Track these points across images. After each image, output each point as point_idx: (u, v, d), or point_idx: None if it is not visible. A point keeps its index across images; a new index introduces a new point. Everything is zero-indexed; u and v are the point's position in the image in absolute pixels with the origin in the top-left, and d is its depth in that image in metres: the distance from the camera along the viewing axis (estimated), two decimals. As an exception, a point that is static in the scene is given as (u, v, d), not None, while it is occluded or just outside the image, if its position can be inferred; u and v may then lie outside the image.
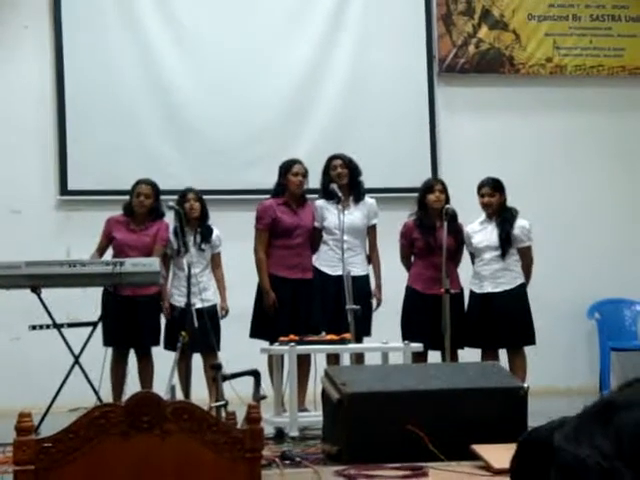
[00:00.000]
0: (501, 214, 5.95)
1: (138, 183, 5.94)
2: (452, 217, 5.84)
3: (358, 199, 6.01)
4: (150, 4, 7.35)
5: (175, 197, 5.99)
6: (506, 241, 5.87)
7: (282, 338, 5.20)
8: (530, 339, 5.86)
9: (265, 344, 5.55)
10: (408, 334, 5.65)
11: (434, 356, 5.81)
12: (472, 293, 5.94)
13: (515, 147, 7.68)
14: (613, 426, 0.67)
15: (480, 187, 5.97)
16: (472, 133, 7.67)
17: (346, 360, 5.66)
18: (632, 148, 7.86)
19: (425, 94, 7.63)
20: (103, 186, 7.07)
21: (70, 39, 7.21)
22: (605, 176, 7.78)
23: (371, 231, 6.04)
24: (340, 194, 5.78)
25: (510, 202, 6.03)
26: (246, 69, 7.39)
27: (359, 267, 5.88)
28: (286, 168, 5.86)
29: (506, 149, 7.64)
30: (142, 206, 5.89)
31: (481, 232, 5.97)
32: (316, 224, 5.91)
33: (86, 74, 7.21)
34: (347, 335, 5.25)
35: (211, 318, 5.65)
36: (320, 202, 5.96)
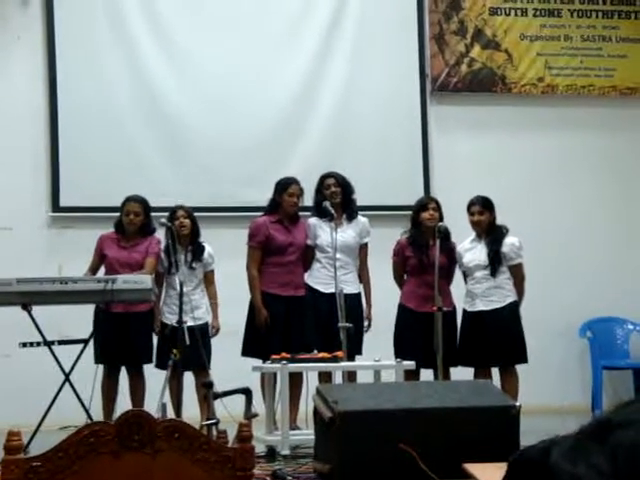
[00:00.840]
0: (491, 233, 5.96)
1: (127, 201, 5.91)
2: (445, 235, 5.85)
3: (351, 217, 6.02)
4: (143, 19, 7.36)
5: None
6: (495, 259, 5.88)
7: (274, 356, 5.19)
8: (522, 357, 5.85)
9: (257, 362, 5.53)
10: (401, 352, 5.65)
11: (426, 374, 5.80)
12: (465, 311, 5.95)
13: (507, 166, 7.71)
14: (609, 445, 0.67)
15: (470, 205, 5.99)
16: (464, 151, 7.70)
17: (338, 378, 5.65)
18: (623, 167, 7.89)
19: (418, 112, 7.66)
20: (95, 203, 7.05)
21: (63, 55, 7.21)
22: (596, 195, 7.81)
23: (362, 250, 6.04)
24: (333, 212, 5.79)
25: (502, 220, 6.04)
26: (239, 88, 7.41)
27: (351, 285, 5.88)
28: (283, 187, 5.87)
29: (498, 167, 7.66)
30: (132, 224, 5.87)
31: (471, 251, 5.98)
32: (309, 242, 5.92)
33: (79, 90, 7.21)
34: (339, 353, 5.24)
35: (202, 336, 5.63)
36: (313, 220, 5.97)
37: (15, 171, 7.13)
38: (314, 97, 7.52)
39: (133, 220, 5.86)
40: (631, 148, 7.89)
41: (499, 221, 6.03)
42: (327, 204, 5.83)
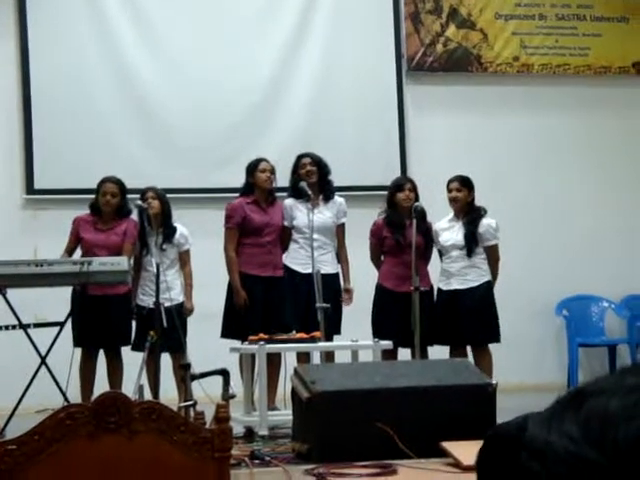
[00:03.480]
0: (468, 213, 5.98)
1: (103, 182, 5.86)
2: (421, 215, 5.86)
3: (328, 198, 6.01)
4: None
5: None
6: (472, 240, 5.90)
7: (252, 337, 5.19)
8: (494, 337, 5.87)
9: (236, 343, 5.53)
10: (378, 332, 5.66)
11: (404, 354, 5.83)
12: (440, 290, 5.97)
13: (483, 145, 7.72)
14: (582, 412, 0.68)
15: (449, 183, 6.01)
16: (441, 131, 7.70)
17: (316, 358, 5.66)
18: (598, 146, 7.93)
19: (394, 92, 7.65)
20: (70, 185, 7.00)
21: (35, 37, 7.13)
22: (572, 174, 7.85)
23: (339, 230, 6.04)
24: (310, 192, 5.78)
25: (478, 200, 6.06)
26: (215, 68, 7.36)
27: (329, 265, 5.89)
28: (253, 167, 5.87)
29: (474, 147, 7.68)
30: (108, 205, 5.82)
31: (448, 230, 6.00)
32: (285, 223, 5.91)
33: (53, 72, 7.13)
34: (317, 333, 5.25)
35: (178, 317, 5.61)
36: (289, 201, 5.95)
37: (-12, 153, 7.05)
38: (289, 78, 7.49)
39: (110, 201, 5.81)
40: (606, 126, 7.93)
41: (476, 201, 6.04)
42: (304, 184, 5.82)
